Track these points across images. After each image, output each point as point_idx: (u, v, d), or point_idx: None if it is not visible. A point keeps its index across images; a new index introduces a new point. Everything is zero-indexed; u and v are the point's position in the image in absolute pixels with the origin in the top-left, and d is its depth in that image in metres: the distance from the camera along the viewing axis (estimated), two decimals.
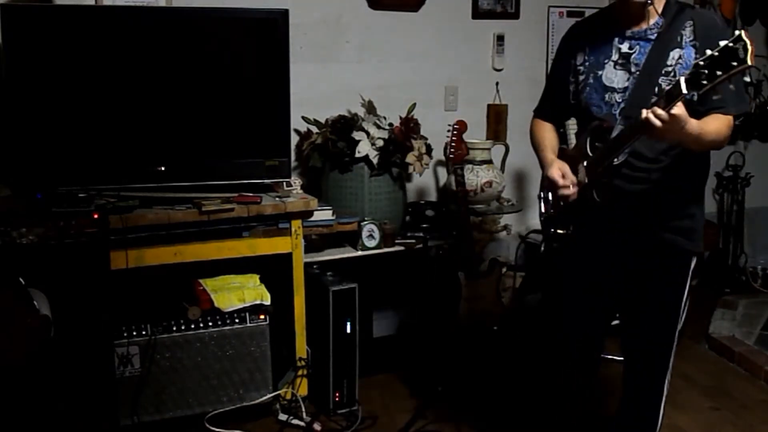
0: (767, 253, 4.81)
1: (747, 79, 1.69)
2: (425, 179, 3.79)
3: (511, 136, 3.90)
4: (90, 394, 2.47)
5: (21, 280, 2.28)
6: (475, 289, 3.22)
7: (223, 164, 2.89)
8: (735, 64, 1.65)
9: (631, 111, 2.01)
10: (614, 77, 2.12)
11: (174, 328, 2.81)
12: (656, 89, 2.02)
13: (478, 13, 3.86)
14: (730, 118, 2.03)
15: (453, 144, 3.26)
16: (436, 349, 3.34)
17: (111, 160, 2.77)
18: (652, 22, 2.08)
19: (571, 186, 2.15)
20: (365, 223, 3.32)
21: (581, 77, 2.19)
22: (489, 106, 3.94)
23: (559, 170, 2.17)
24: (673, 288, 2.24)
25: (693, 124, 1.87)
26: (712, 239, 4.50)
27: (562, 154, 2.29)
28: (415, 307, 3.53)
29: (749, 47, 1.63)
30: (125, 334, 2.72)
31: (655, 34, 2.07)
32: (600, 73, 2.14)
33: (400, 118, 3.47)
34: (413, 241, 3.45)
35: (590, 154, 2.14)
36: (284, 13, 2.87)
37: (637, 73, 2.07)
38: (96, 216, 2.44)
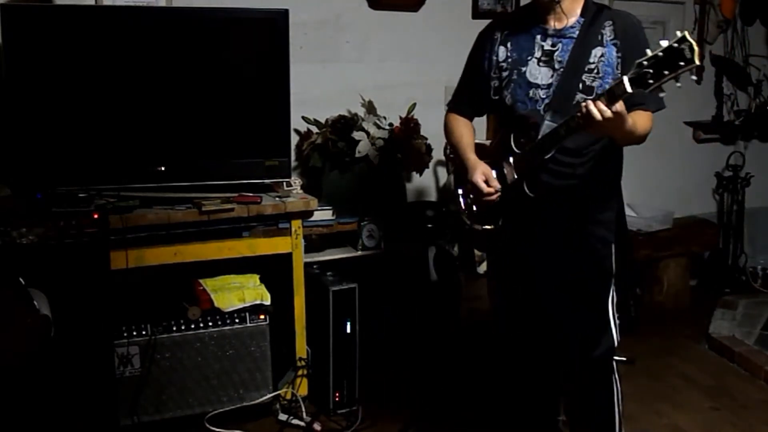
0: (767, 253, 4.80)
1: (693, 77, 1.79)
2: (425, 179, 3.79)
3: None
4: (90, 394, 2.47)
5: (21, 280, 2.27)
6: (475, 289, 3.23)
7: (223, 164, 2.89)
8: (682, 63, 1.73)
9: (557, 106, 2.10)
10: (538, 74, 2.17)
11: (174, 328, 2.81)
12: (580, 85, 2.11)
13: (478, 13, 3.86)
14: (651, 114, 2.13)
15: None
16: (436, 349, 3.35)
17: (111, 160, 2.77)
18: (572, 21, 2.15)
19: (494, 192, 2.21)
20: (365, 223, 3.32)
21: (504, 73, 2.23)
22: None
23: (482, 175, 2.23)
24: (601, 279, 2.29)
25: (629, 121, 1.96)
26: (712, 239, 4.50)
27: (482, 151, 2.33)
28: (415, 307, 3.53)
29: (695, 47, 1.72)
30: (125, 334, 2.72)
31: (576, 33, 2.14)
32: (524, 69, 2.19)
33: (400, 118, 3.47)
34: (413, 241, 3.45)
35: (516, 150, 2.19)
36: (284, 13, 2.87)
37: (561, 69, 2.14)
38: (96, 216, 2.44)
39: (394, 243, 3.42)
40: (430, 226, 3.51)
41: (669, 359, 3.66)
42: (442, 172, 3.85)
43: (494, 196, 2.21)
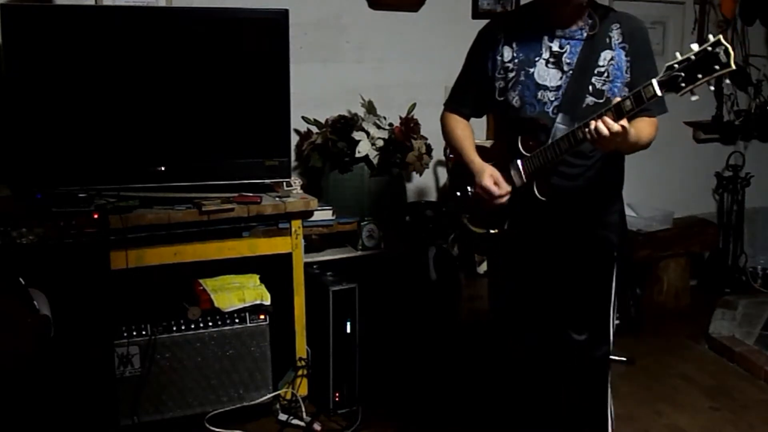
0: (767, 253, 4.80)
1: (728, 82, 1.85)
2: (425, 179, 3.79)
3: None
4: (90, 394, 2.47)
5: (21, 280, 2.28)
6: (475, 289, 3.23)
7: (223, 164, 2.89)
8: (717, 67, 1.74)
9: (567, 108, 2.10)
10: (547, 75, 2.15)
11: (174, 328, 2.81)
12: (590, 88, 2.11)
13: (478, 13, 3.86)
14: (656, 121, 2.14)
15: None
16: (436, 349, 3.34)
17: (111, 160, 2.77)
18: (581, 23, 2.14)
19: (505, 194, 2.18)
20: (365, 223, 3.32)
21: (511, 74, 2.20)
22: None
23: (491, 178, 2.20)
24: (607, 282, 2.30)
25: (632, 133, 1.96)
26: (712, 239, 4.50)
27: (483, 154, 2.30)
28: (415, 307, 3.53)
29: (731, 51, 1.73)
30: (125, 334, 2.72)
31: (584, 35, 2.13)
32: (531, 70, 2.16)
33: (400, 118, 3.47)
34: (413, 241, 3.45)
35: (525, 153, 2.17)
36: (284, 13, 2.87)
37: (570, 72, 2.13)
38: (96, 216, 2.44)
39: (394, 243, 3.42)
40: (430, 226, 3.51)
41: (669, 359, 3.66)
42: (442, 172, 3.85)
43: (504, 199, 2.19)
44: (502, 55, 2.21)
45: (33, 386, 2.36)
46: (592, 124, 1.92)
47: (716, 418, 3.12)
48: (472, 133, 2.39)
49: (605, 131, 1.89)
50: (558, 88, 2.14)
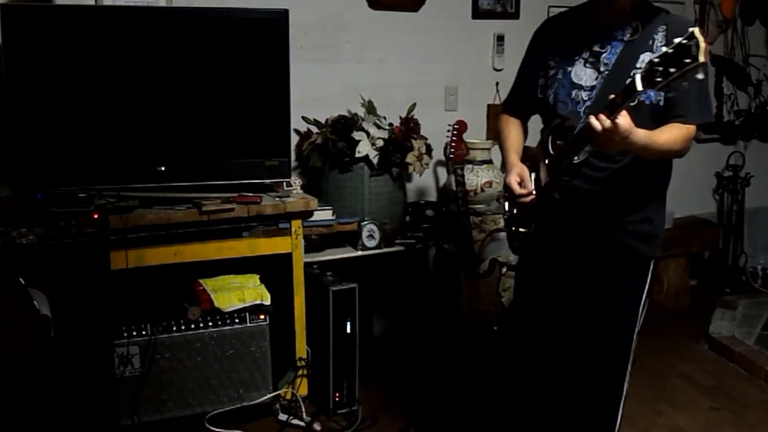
0: (767, 253, 4.81)
1: (699, 76, 1.70)
2: (425, 179, 3.79)
3: None
4: (90, 394, 2.47)
5: (21, 280, 2.28)
6: (475, 289, 3.23)
7: (223, 164, 2.89)
8: (688, 61, 1.65)
9: (595, 109, 2.01)
10: (583, 75, 2.13)
11: (174, 328, 2.81)
12: None
13: (478, 13, 3.86)
14: (690, 127, 2.04)
15: (453, 144, 3.26)
16: (436, 349, 3.35)
17: (111, 160, 2.77)
18: (626, 25, 2.09)
19: (527, 194, 2.15)
20: (365, 223, 3.32)
21: (551, 72, 2.19)
22: (489, 106, 3.94)
23: (517, 177, 2.17)
24: (632, 293, 2.23)
25: (639, 135, 1.88)
26: (712, 239, 4.50)
27: (526, 153, 2.29)
28: (415, 307, 3.53)
29: (702, 44, 1.63)
30: (125, 334, 2.72)
31: (628, 36, 2.08)
32: (570, 69, 2.15)
33: (400, 118, 3.47)
34: (413, 241, 3.45)
35: (551, 152, 2.15)
36: (284, 13, 2.87)
37: (606, 72, 2.09)
38: (96, 216, 2.44)
39: (394, 243, 3.42)
40: (430, 226, 3.51)
41: (669, 359, 3.66)
42: (442, 172, 3.86)
43: (528, 198, 2.15)
44: (548, 54, 2.21)
45: (33, 386, 2.36)
46: (591, 119, 1.86)
47: (716, 418, 3.13)
48: (520, 132, 2.36)
49: (598, 127, 1.83)
50: (592, 88, 2.10)
